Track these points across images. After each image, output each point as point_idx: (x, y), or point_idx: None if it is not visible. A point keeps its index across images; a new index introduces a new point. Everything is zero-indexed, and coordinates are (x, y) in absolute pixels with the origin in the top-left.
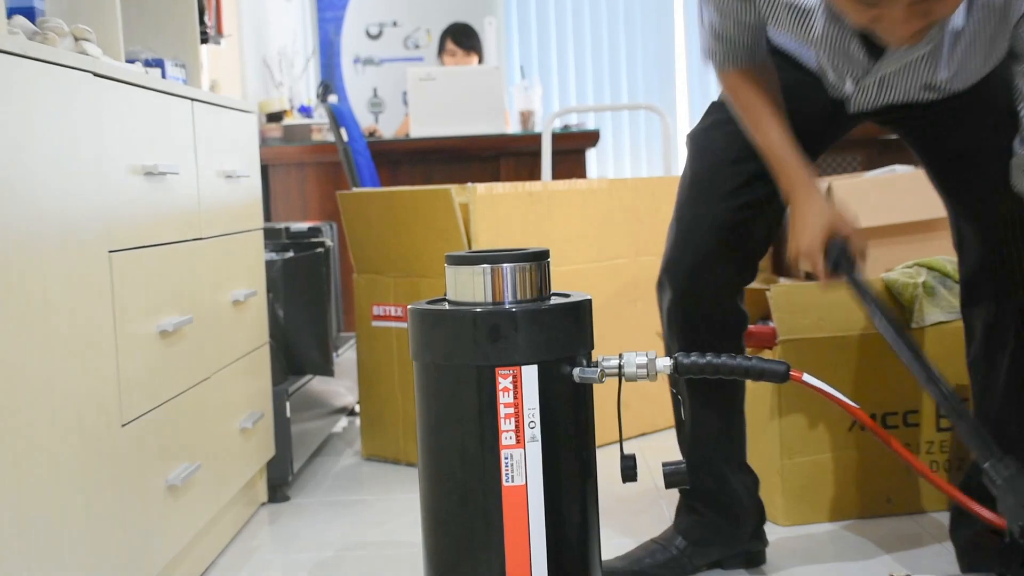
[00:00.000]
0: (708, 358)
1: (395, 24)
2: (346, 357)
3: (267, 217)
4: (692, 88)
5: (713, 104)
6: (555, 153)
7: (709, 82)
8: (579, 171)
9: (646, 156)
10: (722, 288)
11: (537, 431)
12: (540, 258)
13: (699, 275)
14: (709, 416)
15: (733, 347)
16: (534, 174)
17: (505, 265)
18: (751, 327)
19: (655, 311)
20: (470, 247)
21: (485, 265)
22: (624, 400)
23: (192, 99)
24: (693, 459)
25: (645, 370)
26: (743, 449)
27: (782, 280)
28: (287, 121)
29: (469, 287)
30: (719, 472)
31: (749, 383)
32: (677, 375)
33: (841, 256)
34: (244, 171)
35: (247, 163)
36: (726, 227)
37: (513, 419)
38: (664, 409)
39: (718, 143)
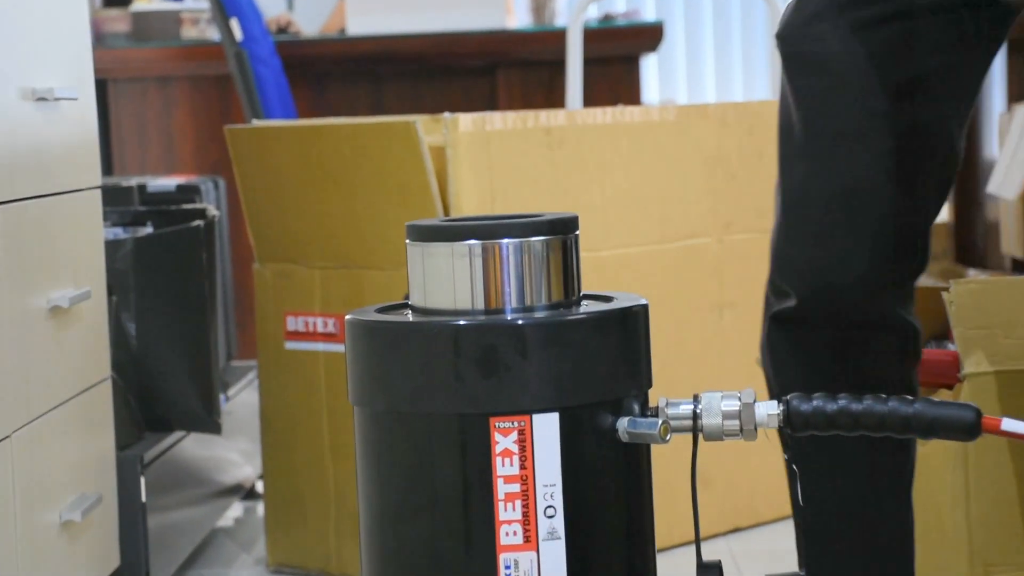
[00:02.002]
0: (841, 402)
1: None
2: (242, 402)
3: (108, 168)
4: None
5: None
6: (589, 62)
7: None
8: (629, 92)
9: (742, 66)
10: (878, 289)
11: (559, 522)
12: (564, 230)
13: (837, 269)
14: (847, 503)
15: (899, 385)
16: (553, 98)
17: (506, 242)
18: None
19: (756, 324)
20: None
21: (473, 242)
22: (704, 473)
23: None
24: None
25: (737, 422)
26: (910, 565)
27: (971, 272)
28: (139, 6)
29: (446, 281)
30: None
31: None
32: (791, 432)
33: None
34: (67, 90)
35: (72, 76)
36: (876, 183)
37: (520, 503)
38: (769, 488)
39: (834, 46)
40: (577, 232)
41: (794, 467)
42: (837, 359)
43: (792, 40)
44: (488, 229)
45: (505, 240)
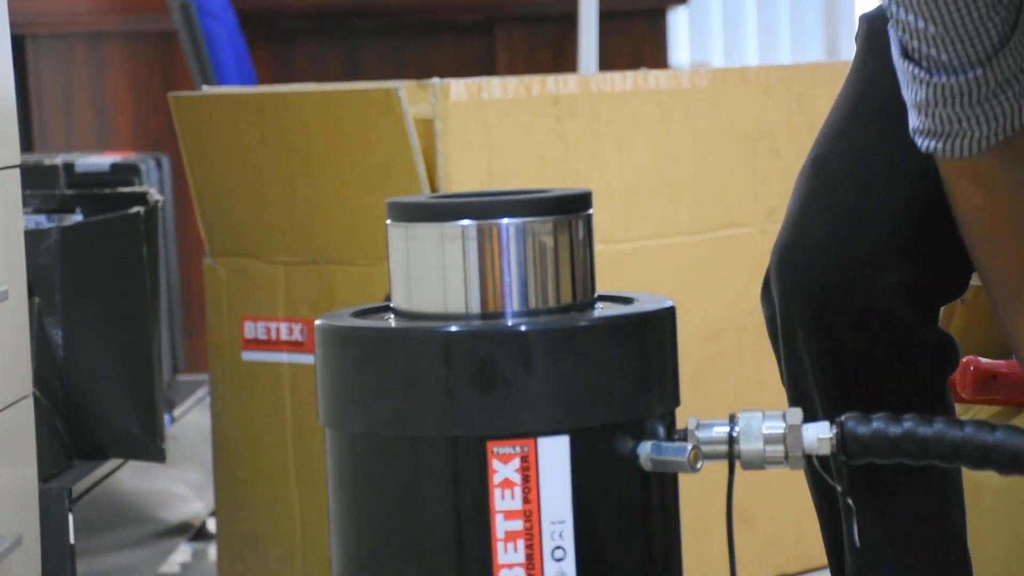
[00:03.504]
0: (907, 425)
1: None
2: (190, 423)
3: (28, 144)
4: None
5: None
6: (606, 17)
7: None
8: (654, 53)
9: (789, 22)
10: (905, 297)
11: (570, 566)
12: (575, 209)
13: (856, 271)
14: (896, 541)
15: (924, 404)
16: (562, 60)
17: (506, 222)
18: (986, 363)
19: None
20: None
21: (466, 222)
22: (742, 508)
23: None
24: None
25: (781, 447)
26: None
27: None
28: None
29: (435, 276)
30: None
31: (972, 477)
32: (846, 459)
33: None
34: None
35: None
36: (920, 174)
37: (523, 543)
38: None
39: None
40: (591, 211)
41: (850, 502)
42: (856, 379)
43: (873, 25)
44: (484, 207)
45: (506, 220)
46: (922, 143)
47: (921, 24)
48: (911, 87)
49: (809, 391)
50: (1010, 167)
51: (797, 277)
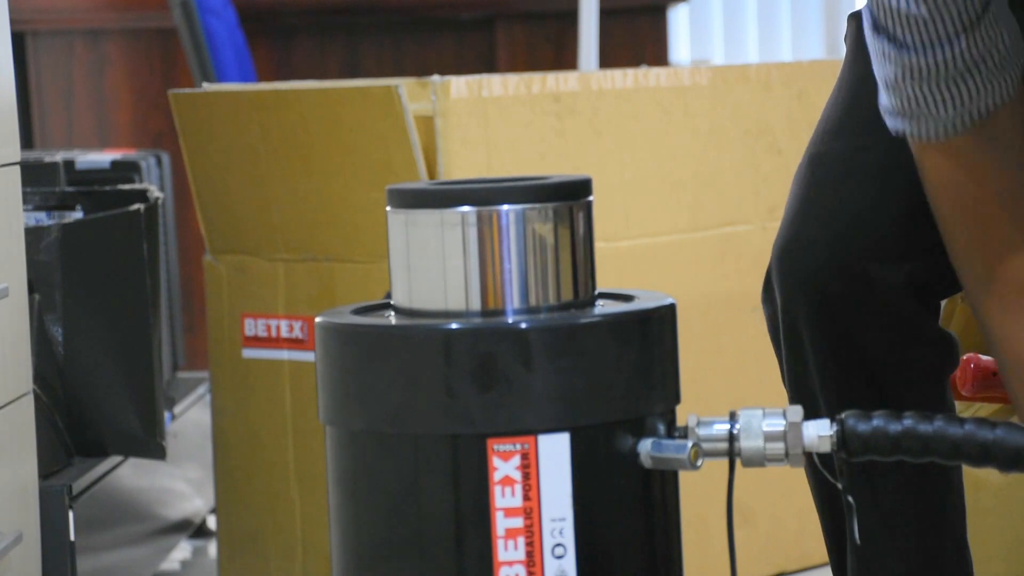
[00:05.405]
0: (907, 423)
1: None
2: (191, 420)
3: (28, 141)
4: None
5: None
6: (607, 14)
7: None
8: (655, 50)
9: (790, 19)
10: (905, 292)
11: (570, 563)
12: (576, 195)
13: (855, 266)
14: (894, 539)
15: (926, 402)
16: (563, 57)
17: (506, 208)
18: (986, 360)
19: None
20: None
21: (466, 209)
22: (743, 505)
23: None
24: None
25: (781, 445)
26: None
27: None
28: None
29: (434, 271)
30: None
31: (972, 475)
32: (847, 456)
33: None
34: None
35: None
36: (915, 170)
37: (523, 540)
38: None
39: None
40: (591, 198)
41: (850, 499)
42: (858, 376)
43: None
44: (484, 193)
45: (505, 206)
46: (891, 124)
47: (903, 5)
48: (881, 63)
49: (812, 389)
50: (979, 152)
51: (797, 274)
